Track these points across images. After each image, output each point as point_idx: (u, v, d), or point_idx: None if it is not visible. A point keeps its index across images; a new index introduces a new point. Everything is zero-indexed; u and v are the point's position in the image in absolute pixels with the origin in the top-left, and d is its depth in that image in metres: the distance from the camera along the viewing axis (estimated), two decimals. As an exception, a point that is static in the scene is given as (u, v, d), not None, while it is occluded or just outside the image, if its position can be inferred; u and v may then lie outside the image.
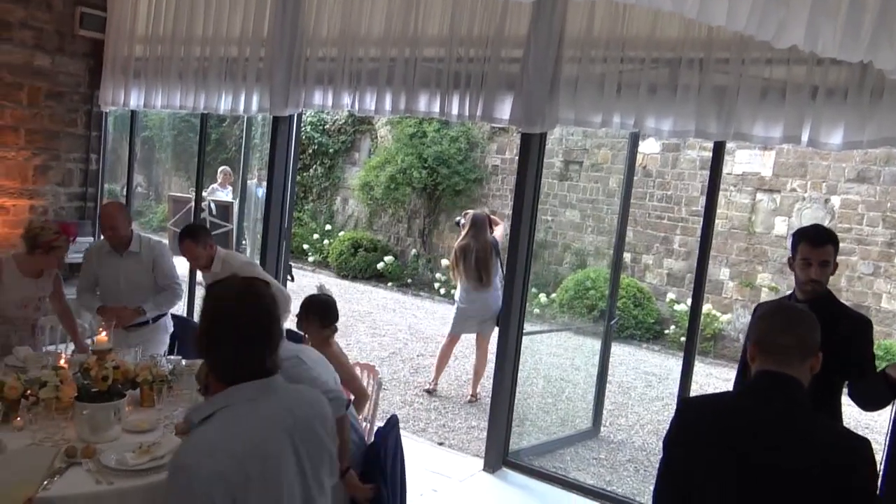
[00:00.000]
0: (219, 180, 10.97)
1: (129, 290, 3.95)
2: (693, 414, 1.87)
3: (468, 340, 6.46)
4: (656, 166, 10.09)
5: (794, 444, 1.69)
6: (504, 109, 4.45)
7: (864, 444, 1.67)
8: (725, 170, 9.44)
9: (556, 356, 7.86)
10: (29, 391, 2.83)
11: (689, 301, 4.22)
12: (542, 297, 10.10)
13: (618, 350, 8.46)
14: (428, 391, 6.23)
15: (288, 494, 1.60)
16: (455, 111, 4.60)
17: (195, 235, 3.89)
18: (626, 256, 10.25)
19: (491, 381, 4.77)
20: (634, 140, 5.36)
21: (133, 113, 6.60)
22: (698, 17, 3.15)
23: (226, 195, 10.27)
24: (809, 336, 1.79)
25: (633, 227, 10.27)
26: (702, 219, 4.02)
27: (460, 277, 6.02)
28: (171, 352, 4.17)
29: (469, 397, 6.14)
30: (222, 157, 13.78)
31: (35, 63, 5.73)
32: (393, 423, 3.08)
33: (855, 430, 1.77)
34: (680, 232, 9.88)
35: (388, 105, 4.84)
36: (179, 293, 4.12)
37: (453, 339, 6.22)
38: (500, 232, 6.16)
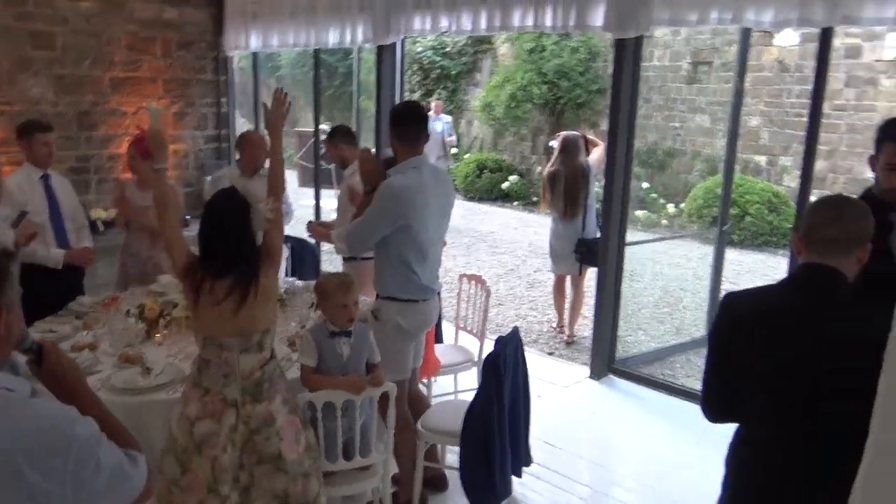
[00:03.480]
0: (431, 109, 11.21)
1: None
2: (737, 307, 1.89)
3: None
4: (794, 59, 9.31)
5: (828, 338, 1.69)
6: (597, 16, 4.38)
7: None
8: (873, 56, 8.57)
9: (677, 266, 7.70)
10: (164, 312, 3.28)
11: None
12: (671, 208, 9.82)
13: (747, 258, 8.17)
14: (567, 343, 5.53)
15: None
16: (549, 23, 4.59)
17: (332, 133, 4.41)
18: (761, 160, 9.68)
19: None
20: (746, 33, 5.03)
21: (255, 55, 7.04)
22: None
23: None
24: (856, 226, 1.75)
25: (768, 127, 9.64)
26: (808, 109, 3.81)
27: (549, 207, 5.61)
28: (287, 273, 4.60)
29: (566, 337, 5.57)
30: (349, 90, 14.24)
31: (164, 16, 6.24)
32: (514, 333, 3.08)
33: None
34: (822, 129, 9.11)
35: (483, 23, 4.90)
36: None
37: (559, 278, 5.72)
38: (597, 154, 5.40)
